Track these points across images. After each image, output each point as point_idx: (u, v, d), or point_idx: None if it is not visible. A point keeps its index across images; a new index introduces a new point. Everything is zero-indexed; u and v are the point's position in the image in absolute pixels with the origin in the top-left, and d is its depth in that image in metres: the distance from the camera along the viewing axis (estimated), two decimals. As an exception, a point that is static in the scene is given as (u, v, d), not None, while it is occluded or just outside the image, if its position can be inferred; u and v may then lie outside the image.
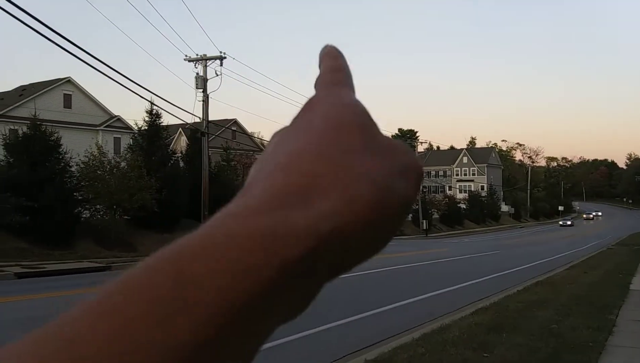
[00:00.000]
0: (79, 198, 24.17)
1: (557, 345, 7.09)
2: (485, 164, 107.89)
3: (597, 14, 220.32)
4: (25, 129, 23.46)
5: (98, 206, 24.69)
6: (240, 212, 0.28)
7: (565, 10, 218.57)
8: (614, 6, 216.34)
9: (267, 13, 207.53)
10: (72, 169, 24.17)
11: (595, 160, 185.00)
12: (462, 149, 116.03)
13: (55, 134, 23.95)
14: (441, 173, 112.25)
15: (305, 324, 9.08)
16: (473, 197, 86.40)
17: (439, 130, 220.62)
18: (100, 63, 17.82)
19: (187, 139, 33.62)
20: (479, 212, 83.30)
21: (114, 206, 24.53)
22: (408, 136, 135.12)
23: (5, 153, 23.26)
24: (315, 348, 7.91)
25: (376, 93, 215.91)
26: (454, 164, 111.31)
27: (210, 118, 50.09)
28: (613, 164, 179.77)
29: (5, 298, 12.48)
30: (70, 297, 12.57)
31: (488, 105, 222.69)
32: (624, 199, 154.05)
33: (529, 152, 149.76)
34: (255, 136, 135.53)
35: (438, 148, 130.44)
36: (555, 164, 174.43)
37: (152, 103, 28.01)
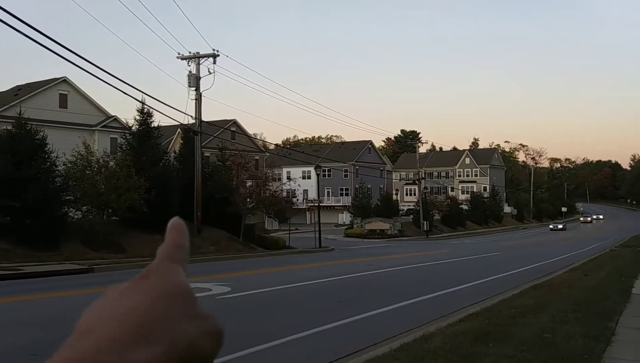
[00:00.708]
0: (66, 198, 23.54)
1: (549, 357, 6.40)
2: (488, 165, 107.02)
3: (602, 13, 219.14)
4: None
5: (86, 207, 24.05)
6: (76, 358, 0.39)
7: (569, 10, 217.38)
8: (619, 6, 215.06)
9: (264, 11, 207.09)
10: (59, 168, 23.54)
11: (599, 161, 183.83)
12: (464, 150, 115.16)
13: (41, 133, 23.32)
14: (443, 174, 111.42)
15: (278, 333, 8.43)
16: (475, 198, 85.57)
17: (442, 131, 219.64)
18: (88, 63, 17.27)
19: (181, 139, 32.97)
20: (481, 213, 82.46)
21: (102, 207, 23.89)
22: (410, 137, 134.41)
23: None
24: (281, 361, 7.25)
25: (379, 94, 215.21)
26: (456, 165, 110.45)
27: (209, 119, 49.41)
28: (617, 165, 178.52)
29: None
30: (32, 302, 11.94)
31: (491, 106, 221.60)
32: (628, 201, 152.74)
33: (532, 153, 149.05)
34: (258, 137, 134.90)
35: (441, 149, 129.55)
36: (559, 165, 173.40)
37: (142, 103, 27.40)
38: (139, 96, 30.74)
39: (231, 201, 30.83)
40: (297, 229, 64.36)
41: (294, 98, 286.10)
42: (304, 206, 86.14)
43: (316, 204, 42.46)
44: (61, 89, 43.44)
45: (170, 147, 43.70)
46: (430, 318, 9.95)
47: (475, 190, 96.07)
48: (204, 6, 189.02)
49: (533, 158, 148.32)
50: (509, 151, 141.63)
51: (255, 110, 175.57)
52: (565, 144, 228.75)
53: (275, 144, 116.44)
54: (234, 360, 6.48)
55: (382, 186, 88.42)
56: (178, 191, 28.15)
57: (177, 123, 30.37)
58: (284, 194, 53.20)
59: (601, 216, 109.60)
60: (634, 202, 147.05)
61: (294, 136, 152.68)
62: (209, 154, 49.96)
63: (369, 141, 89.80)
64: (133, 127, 28.48)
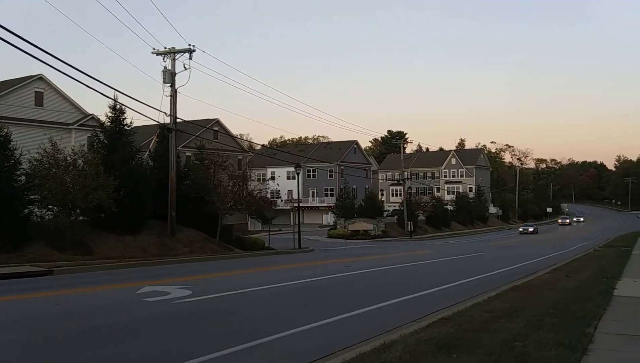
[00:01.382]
0: (31, 197, 22.52)
1: (517, 370, 5.67)
2: (474, 166, 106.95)
3: (587, 16, 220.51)
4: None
5: (52, 206, 23.03)
6: None
7: (555, 11, 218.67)
8: (605, 8, 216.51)
9: (245, 9, 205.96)
10: (24, 166, 22.53)
11: (585, 162, 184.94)
12: (450, 151, 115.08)
13: (5, 130, 22.29)
14: (429, 174, 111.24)
15: (223, 343, 7.65)
16: (460, 199, 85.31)
17: (428, 132, 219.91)
18: (57, 60, 16.31)
19: (157, 137, 32.00)
20: (467, 214, 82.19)
21: (69, 206, 22.88)
22: (397, 138, 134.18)
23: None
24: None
25: (367, 95, 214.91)
26: (442, 165, 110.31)
27: (191, 118, 48.49)
28: (602, 166, 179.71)
29: None
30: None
31: (478, 106, 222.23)
32: (613, 201, 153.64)
33: (518, 153, 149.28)
34: (244, 138, 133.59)
35: (427, 149, 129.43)
36: (544, 166, 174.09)
37: (115, 100, 26.38)
38: (112, 93, 29.69)
39: (208, 201, 29.95)
40: (280, 230, 63.52)
41: (282, 99, 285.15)
42: (288, 207, 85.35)
43: (296, 204, 41.51)
44: (37, 87, 42.26)
45: (151, 146, 42.63)
46: (397, 323, 9.22)
47: (460, 191, 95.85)
48: (189, 6, 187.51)
49: (519, 159, 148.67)
50: (495, 152, 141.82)
51: (242, 111, 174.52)
52: (551, 145, 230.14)
53: (261, 145, 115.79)
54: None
55: (367, 187, 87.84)
56: (151, 190, 27.21)
57: (159, 122, 29.45)
58: (265, 194, 52.36)
59: (582, 219, 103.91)
60: (619, 203, 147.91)
61: (281, 137, 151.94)
62: (190, 154, 48.98)
63: (355, 141, 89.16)
64: (104, 124, 27.46)
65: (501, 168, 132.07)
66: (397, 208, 76.38)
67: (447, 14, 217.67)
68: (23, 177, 22.47)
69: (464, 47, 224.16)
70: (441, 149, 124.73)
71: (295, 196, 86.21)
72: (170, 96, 28.52)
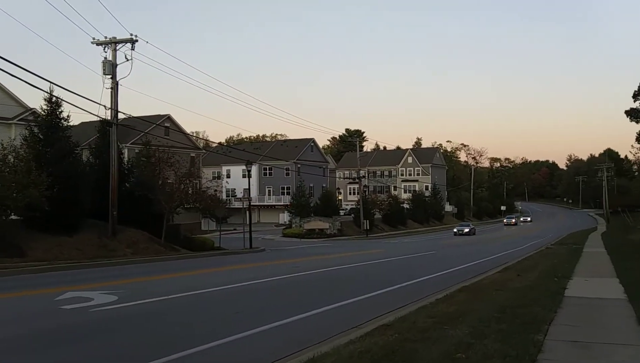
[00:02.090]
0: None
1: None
2: (430, 164, 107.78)
3: (539, 15, 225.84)
4: None
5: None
6: None
7: (509, 12, 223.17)
8: (556, 8, 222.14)
9: (199, 4, 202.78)
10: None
11: (537, 161, 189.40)
12: (407, 150, 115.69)
13: None
14: (387, 173, 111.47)
15: (131, 357, 6.65)
16: (417, 197, 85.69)
17: (387, 131, 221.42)
18: None
19: (98, 132, 30.38)
20: (423, 212, 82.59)
21: (-2, 205, 21.25)
22: (355, 136, 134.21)
23: None
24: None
25: (326, 94, 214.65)
26: (399, 164, 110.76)
27: (142, 114, 46.66)
28: (554, 165, 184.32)
29: None
30: None
31: (435, 106, 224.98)
32: (564, 199, 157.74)
33: (473, 153, 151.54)
34: (200, 135, 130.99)
35: (385, 148, 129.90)
36: (499, 164, 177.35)
37: (50, 93, 24.76)
38: (47, 86, 27.84)
39: (153, 199, 28.59)
40: (235, 229, 62.14)
41: (240, 97, 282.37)
42: (244, 206, 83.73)
43: (247, 202, 40.53)
44: (-27, 80, 39.88)
45: (90, 141, 40.74)
46: (335, 330, 8.40)
47: (417, 189, 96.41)
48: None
49: (474, 158, 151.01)
50: (451, 151, 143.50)
51: (198, 108, 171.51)
52: (505, 144, 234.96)
53: (218, 143, 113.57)
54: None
55: (324, 185, 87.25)
56: (90, 188, 25.72)
57: (99, 117, 27.83)
58: (216, 192, 50.86)
59: (529, 219, 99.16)
60: (570, 201, 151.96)
61: (238, 135, 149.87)
62: (139, 151, 47.26)
63: (312, 139, 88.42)
64: (39, 118, 25.80)
65: (457, 167, 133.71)
66: (354, 206, 76.03)
67: (408, 15, 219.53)
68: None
69: (423, 48, 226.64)
70: (398, 148, 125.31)
71: (251, 194, 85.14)
72: (111, 88, 27.05)
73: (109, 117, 27.13)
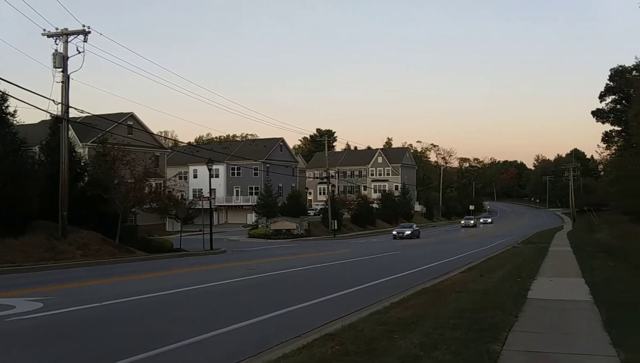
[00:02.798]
0: None
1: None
2: (400, 164, 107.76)
3: (509, 15, 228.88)
4: None
5: None
6: None
7: (480, 11, 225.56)
8: (523, 9, 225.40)
9: (166, 3, 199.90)
10: None
11: (506, 161, 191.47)
12: (377, 150, 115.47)
13: None
14: (357, 173, 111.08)
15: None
16: (386, 196, 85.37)
17: (359, 131, 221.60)
18: None
19: (49, 129, 28.86)
20: (392, 211, 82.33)
21: None
22: (326, 136, 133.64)
23: None
24: None
25: (298, 93, 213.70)
26: (369, 164, 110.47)
27: (104, 112, 44.98)
28: (522, 165, 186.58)
29: None
30: None
31: (406, 107, 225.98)
32: (532, 199, 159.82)
33: (442, 153, 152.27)
34: (168, 135, 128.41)
35: (355, 148, 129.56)
36: (468, 165, 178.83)
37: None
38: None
39: (108, 199, 27.26)
40: (200, 230, 60.81)
41: (209, 96, 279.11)
42: (203, 206, 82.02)
43: (207, 202, 39.38)
44: None
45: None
46: (275, 341, 7.53)
47: (387, 189, 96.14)
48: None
49: (443, 158, 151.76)
50: (421, 151, 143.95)
51: (167, 107, 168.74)
52: (474, 144, 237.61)
53: (187, 143, 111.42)
54: None
55: (293, 185, 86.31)
56: (38, 187, 24.29)
57: (50, 113, 26.38)
58: (178, 192, 49.40)
59: (489, 220, 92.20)
60: (537, 200, 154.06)
61: (207, 134, 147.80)
62: (100, 151, 45.58)
63: (281, 138, 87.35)
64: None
65: (427, 167, 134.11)
66: (324, 206, 75.27)
67: (379, 15, 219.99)
68: None
69: (395, 48, 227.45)
70: (369, 148, 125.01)
71: (218, 194, 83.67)
72: (62, 82, 25.68)
73: (57, 113, 25.73)
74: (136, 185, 27.75)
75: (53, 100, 24.69)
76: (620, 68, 70.89)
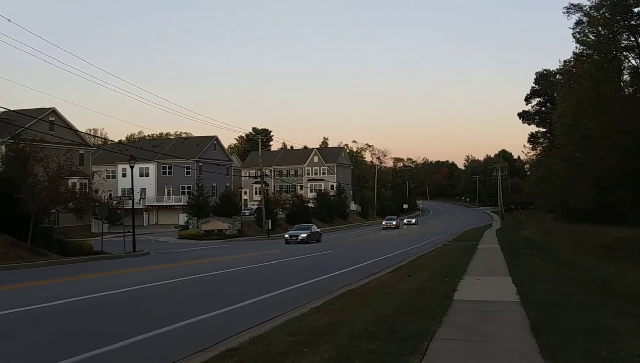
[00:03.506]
0: None
1: None
2: (336, 164, 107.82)
3: (440, 23, 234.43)
4: None
5: None
6: None
7: (415, 15, 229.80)
8: (457, 16, 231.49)
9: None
10: None
11: (438, 161, 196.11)
12: (313, 149, 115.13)
13: None
14: (293, 172, 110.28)
15: None
16: (322, 196, 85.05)
17: (296, 130, 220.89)
18: None
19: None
20: (327, 211, 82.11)
21: None
22: (262, 135, 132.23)
23: None
24: None
25: (233, 91, 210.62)
26: (305, 163, 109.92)
27: (22, 107, 41.94)
28: (453, 165, 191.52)
29: None
30: None
31: (342, 107, 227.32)
32: (463, 198, 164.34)
33: (377, 153, 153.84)
34: (98, 132, 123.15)
35: (292, 147, 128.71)
36: (402, 164, 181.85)
37: None
38: None
39: (19, 199, 25.20)
40: (128, 231, 58.32)
41: (142, 95, 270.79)
42: (142, 206, 79.29)
43: (149, 203, 37.53)
44: None
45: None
46: (172, 357, 6.61)
47: (323, 188, 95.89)
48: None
49: (378, 158, 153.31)
50: (357, 151, 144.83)
51: (96, 105, 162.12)
52: (408, 145, 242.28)
53: (118, 141, 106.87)
54: None
55: (228, 185, 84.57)
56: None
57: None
58: (103, 192, 46.88)
59: (413, 221, 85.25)
60: (468, 199, 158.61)
61: (139, 133, 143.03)
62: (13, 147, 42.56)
63: (214, 136, 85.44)
64: None
65: (362, 166, 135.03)
66: (258, 206, 74.05)
67: (309, 13, 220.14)
68: None
69: (331, 48, 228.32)
70: (305, 148, 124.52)
71: (149, 194, 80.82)
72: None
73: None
74: (50, 183, 25.79)
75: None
76: (545, 72, 73.77)
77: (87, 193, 31.18)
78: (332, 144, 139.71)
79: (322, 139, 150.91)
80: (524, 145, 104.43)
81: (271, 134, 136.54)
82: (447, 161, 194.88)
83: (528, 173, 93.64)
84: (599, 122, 32.72)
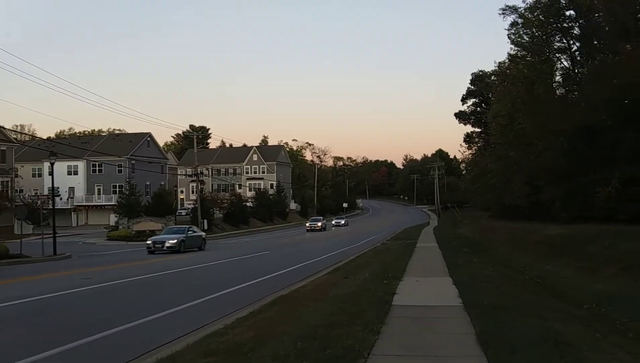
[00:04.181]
0: None
1: None
2: (275, 162, 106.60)
3: (381, 23, 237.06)
4: None
5: None
6: None
7: (354, 13, 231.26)
8: (396, 17, 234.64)
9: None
10: None
11: (377, 161, 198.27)
12: (252, 147, 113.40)
13: None
14: (231, 170, 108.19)
15: None
16: (261, 195, 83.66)
17: (235, 129, 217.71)
18: None
19: None
20: (267, 210, 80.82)
21: None
22: (200, 133, 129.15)
23: None
24: None
25: (170, 88, 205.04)
26: (244, 162, 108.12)
27: None
28: (392, 164, 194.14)
29: None
30: None
31: (283, 106, 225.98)
32: (401, 196, 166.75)
33: (317, 151, 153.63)
34: (25, 128, 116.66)
35: (231, 145, 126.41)
36: (342, 163, 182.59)
37: None
38: None
39: None
40: (56, 233, 55.12)
41: (71, 88, 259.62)
42: (69, 206, 75.45)
43: (79, 203, 35.31)
44: None
45: None
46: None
47: (262, 187, 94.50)
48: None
49: (319, 156, 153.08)
50: (297, 149, 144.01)
51: (23, 99, 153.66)
52: (348, 144, 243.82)
53: (47, 137, 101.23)
54: None
55: (163, 183, 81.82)
56: None
57: None
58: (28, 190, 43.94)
59: (342, 221, 74.94)
60: (406, 198, 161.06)
61: (70, 129, 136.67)
62: None
63: (148, 133, 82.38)
64: None
65: (302, 165, 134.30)
66: (194, 205, 71.88)
67: (256, 12, 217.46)
68: None
69: (271, 45, 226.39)
70: (244, 146, 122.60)
71: (77, 193, 76.99)
72: None
73: None
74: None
75: None
76: (480, 73, 75.25)
77: (4, 191, 28.77)
78: (272, 142, 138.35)
79: (262, 138, 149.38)
80: (460, 145, 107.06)
81: (209, 131, 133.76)
82: (386, 161, 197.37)
83: (464, 172, 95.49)
84: (533, 122, 33.24)
